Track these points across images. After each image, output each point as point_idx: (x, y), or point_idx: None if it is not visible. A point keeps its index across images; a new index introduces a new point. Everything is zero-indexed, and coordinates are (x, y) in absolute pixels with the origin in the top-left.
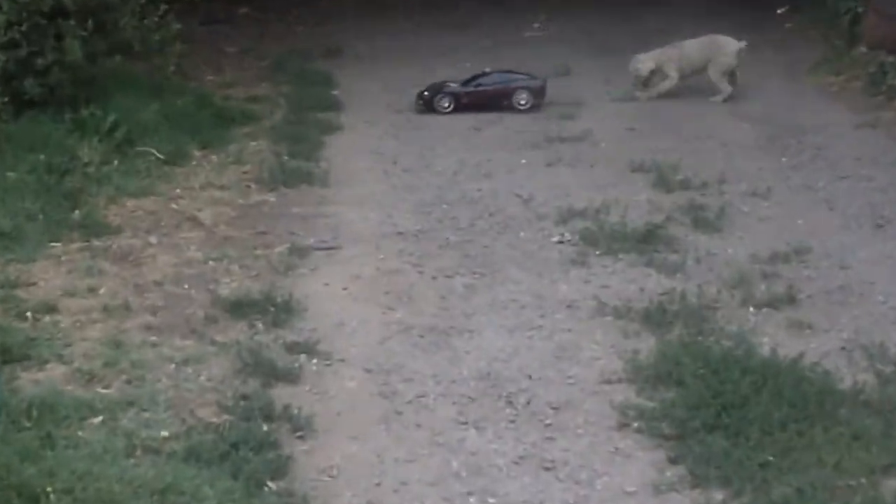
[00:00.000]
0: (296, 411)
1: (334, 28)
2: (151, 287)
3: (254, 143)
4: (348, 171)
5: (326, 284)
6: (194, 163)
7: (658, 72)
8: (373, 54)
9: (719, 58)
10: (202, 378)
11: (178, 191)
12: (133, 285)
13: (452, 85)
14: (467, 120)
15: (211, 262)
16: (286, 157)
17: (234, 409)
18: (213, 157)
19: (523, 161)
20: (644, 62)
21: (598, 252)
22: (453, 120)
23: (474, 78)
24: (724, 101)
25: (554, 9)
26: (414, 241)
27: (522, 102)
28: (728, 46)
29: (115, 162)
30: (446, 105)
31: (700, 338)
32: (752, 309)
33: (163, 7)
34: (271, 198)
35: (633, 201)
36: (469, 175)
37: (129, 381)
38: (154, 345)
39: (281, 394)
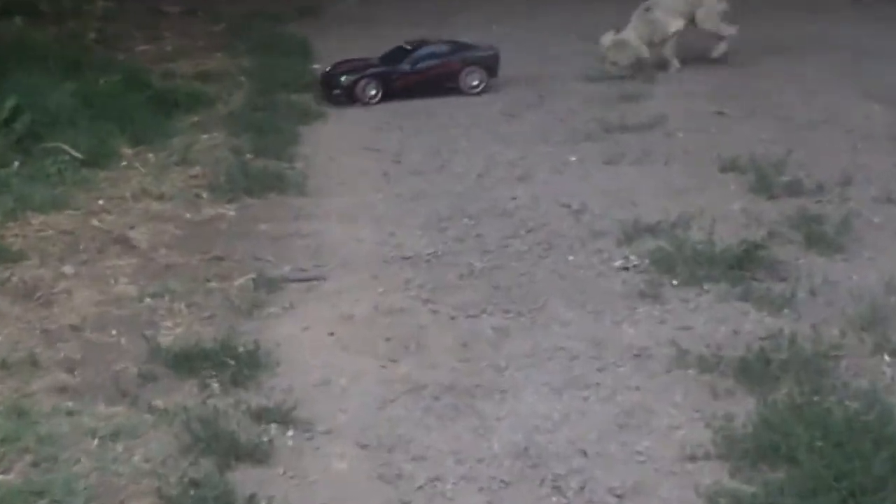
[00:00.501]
0: (265, 503)
1: None
2: (66, 334)
3: (205, 137)
4: (334, 173)
5: (306, 328)
6: (124, 164)
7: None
8: (363, 14)
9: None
10: (136, 458)
11: (101, 202)
12: (41, 332)
13: (375, 64)
14: (495, 101)
15: (148, 300)
16: (249, 156)
17: (181, 501)
18: (150, 157)
19: (573, 158)
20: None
21: (675, 281)
22: (475, 102)
23: (402, 52)
24: (725, 51)
25: None
26: (425, 268)
27: (475, 84)
28: None
29: (15, 164)
30: (373, 93)
31: (817, 398)
32: (887, 358)
33: None
34: (229, 211)
35: (724, 212)
36: (500, 178)
37: (35, 464)
38: (70, 413)
39: (244, 478)
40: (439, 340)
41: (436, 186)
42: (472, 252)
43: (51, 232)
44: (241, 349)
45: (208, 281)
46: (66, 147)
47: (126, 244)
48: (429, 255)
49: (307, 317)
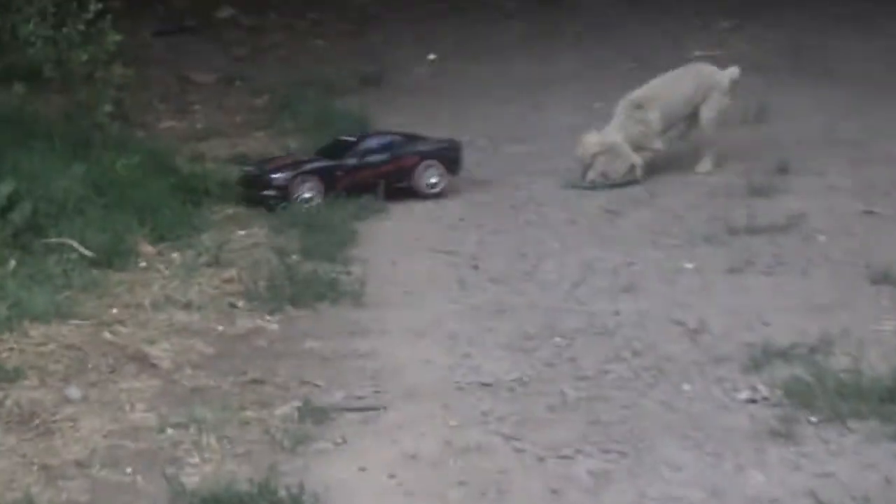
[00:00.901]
0: None
1: (375, 41)
2: (70, 471)
3: (242, 233)
4: (398, 280)
5: (361, 469)
6: (143, 264)
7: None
8: (433, 84)
9: (713, 96)
10: None
11: (114, 311)
12: (40, 467)
13: (312, 159)
14: (594, 195)
15: (170, 431)
16: (295, 257)
17: None
18: (175, 256)
19: (688, 265)
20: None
21: (814, 418)
22: (570, 195)
23: (346, 145)
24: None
25: (734, 13)
26: (507, 397)
27: (433, 182)
28: (717, 77)
29: (11, 262)
30: (310, 194)
31: None
32: None
33: (93, 5)
34: (271, 324)
35: (874, 333)
36: (599, 288)
37: None
38: None
39: None
40: (524, 487)
41: (521, 297)
42: (565, 378)
43: (53, 346)
44: (282, 493)
45: (244, 409)
46: (72, 243)
47: (144, 362)
48: (512, 381)
49: (363, 455)
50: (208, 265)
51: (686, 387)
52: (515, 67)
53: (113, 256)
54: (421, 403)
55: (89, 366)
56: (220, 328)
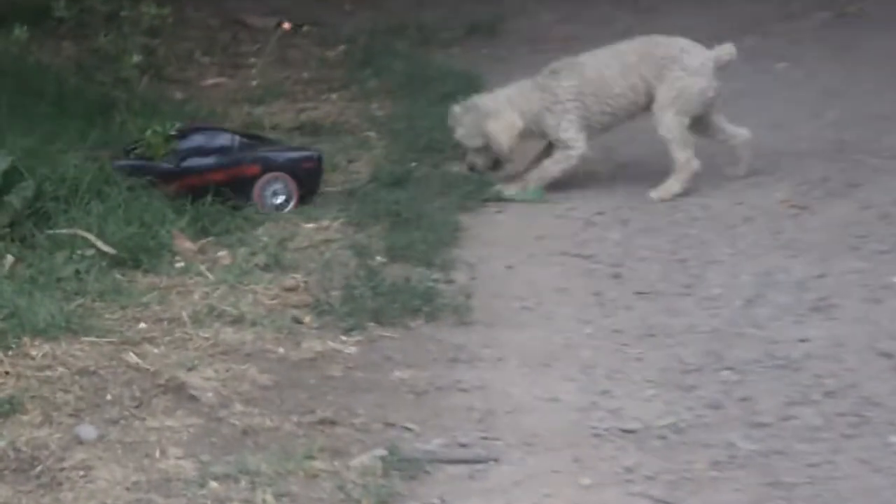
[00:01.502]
0: None
1: None
2: None
3: (310, 227)
4: (514, 292)
5: None
6: (180, 265)
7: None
8: (565, 34)
9: (672, 81)
10: None
11: (142, 325)
12: None
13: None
14: (772, 183)
15: (213, 484)
16: (380, 259)
17: None
18: (222, 255)
19: None
20: (489, 121)
21: None
22: (742, 187)
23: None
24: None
25: None
26: (659, 449)
27: (278, 203)
28: (688, 58)
29: (9, 259)
30: None
31: None
32: None
33: None
34: (347, 346)
35: None
36: (780, 307)
37: None
38: None
39: None
40: None
41: (677, 318)
42: (735, 425)
43: (61, 370)
44: None
45: (311, 458)
46: (88, 235)
47: (181, 394)
48: (664, 427)
49: None
50: (265, 268)
51: (894, 439)
52: (664, 18)
53: (140, 254)
54: (544, 455)
55: (108, 397)
56: (281, 351)
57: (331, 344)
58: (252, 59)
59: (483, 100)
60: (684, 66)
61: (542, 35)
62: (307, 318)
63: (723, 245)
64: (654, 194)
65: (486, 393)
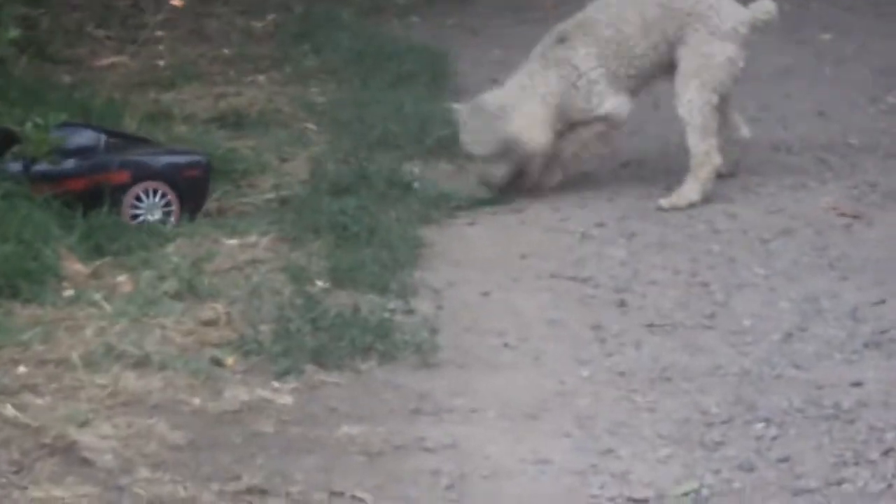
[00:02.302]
0: None
1: None
2: None
3: (233, 243)
4: (492, 324)
5: None
6: (69, 293)
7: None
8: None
9: (696, 46)
10: None
11: (22, 370)
12: None
13: None
14: (817, 187)
15: None
16: (322, 284)
17: None
18: (121, 281)
19: None
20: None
21: None
22: (778, 191)
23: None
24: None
25: None
26: None
27: (157, 218)
28: (717, 17)
29: None
30: None
31: None
32: None
33: None
34: (281, 395)
35: None
36: (827, 342)
37: None
38: None
39: None
40: None
41: (698, 356)
42: (772, 491)
43: None
44: None
45: None
46: None
47: (71, 456)
48: (684, 496)
49: None
50: (176, 296)
51: None
52: None
53: (18, 279)
54: None
55: None
56: (197, 402)
57: (260, 392)
58: (158, 33)
59: (492, 96)
60: (713, 27)
61: (526, 1)
62: (230, 360)
63: (754, 264)
64: (666, 202)
65: (458, 453)
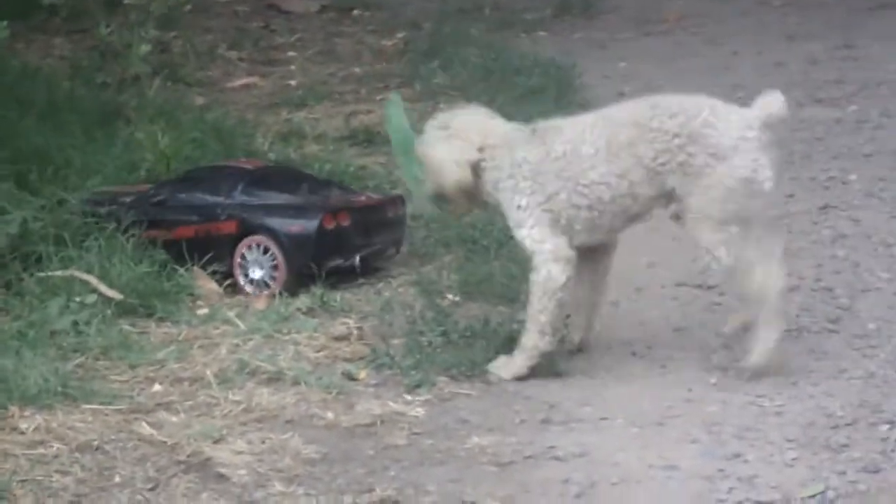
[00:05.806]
0: None
1: None
2: None
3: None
4: (620, 332)
5: None
6: (203, 311)
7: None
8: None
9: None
10: None
11: (157, 388)
12: None
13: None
14: None
15: None
16: (453, 297)
17: None
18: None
19: None
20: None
21: None
22: None
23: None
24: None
25: None
26: None
27: (255, 279)
28: (714, 132)
29: None
30: None
31: None
32: None
33: None
34: (413, 408)
35: None
36: None
37: None
38: None
39: None
40: None
41: (823, 360)
42: None
43: (57, 447)
44: None
45: None
46: (88, 278)
47: (206, 472)
48: (810, 498)
49: None
50: (309, 312)
51: None
52: None
53: (153, 299)
54: None
55: (117, 479)
56: (330, 416)
57: (392, 405)
58: (290, 53)
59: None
60: (710, 146)
61: (650, 13)
62: (362, 374)
63: (878, 269)
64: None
65: (587, 462)
